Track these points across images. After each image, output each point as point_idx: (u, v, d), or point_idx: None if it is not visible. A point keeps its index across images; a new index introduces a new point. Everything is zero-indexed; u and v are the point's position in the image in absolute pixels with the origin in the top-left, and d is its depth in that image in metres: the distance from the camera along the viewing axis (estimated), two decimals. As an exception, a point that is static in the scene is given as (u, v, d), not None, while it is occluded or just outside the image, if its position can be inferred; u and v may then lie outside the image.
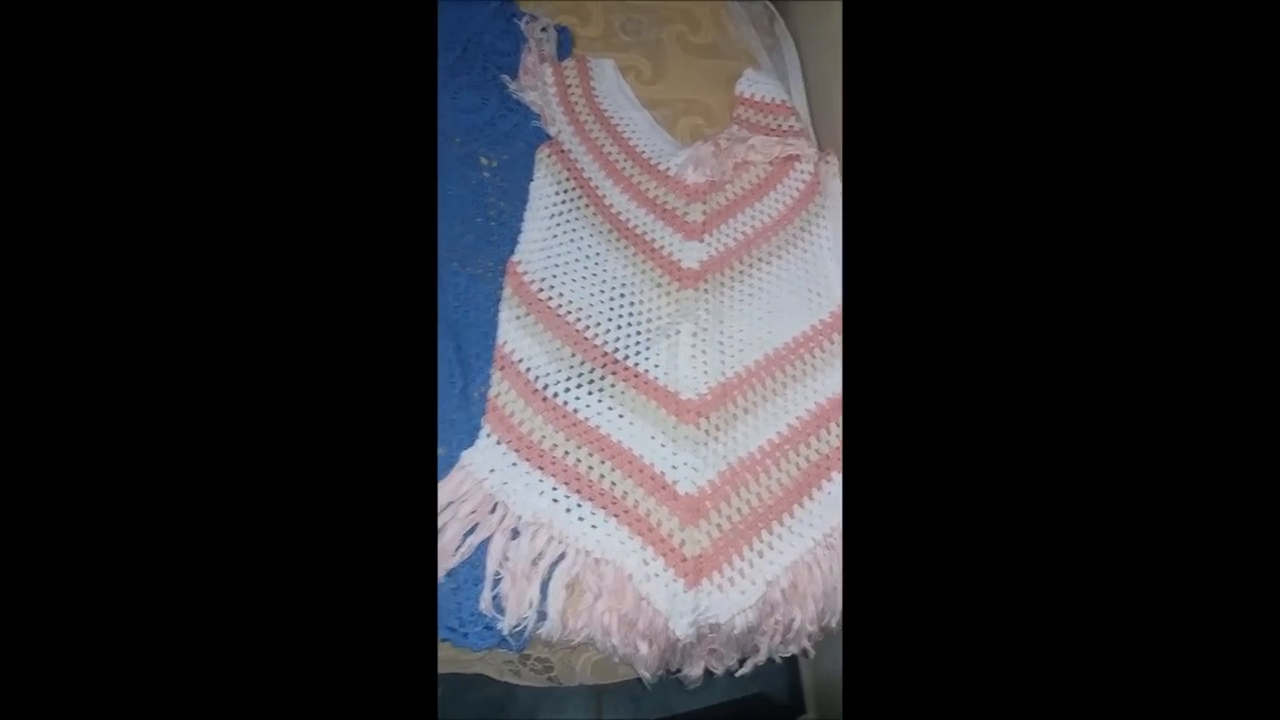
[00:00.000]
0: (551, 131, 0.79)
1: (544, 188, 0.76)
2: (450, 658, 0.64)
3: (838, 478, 0.65)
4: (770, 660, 0.63)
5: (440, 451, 0.63)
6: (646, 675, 0.59)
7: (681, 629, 0.58)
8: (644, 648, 0.58)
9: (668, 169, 0.80)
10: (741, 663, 0.63)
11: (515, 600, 0.56)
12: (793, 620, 0.61)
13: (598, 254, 0.73)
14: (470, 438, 0.63)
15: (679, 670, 0.62)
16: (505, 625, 0.56)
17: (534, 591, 0.57)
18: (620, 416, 0.65)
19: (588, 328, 0.69)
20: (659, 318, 0.71)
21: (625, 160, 0.80)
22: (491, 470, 0.61)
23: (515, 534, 0.59)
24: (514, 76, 0.82)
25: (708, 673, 0.63)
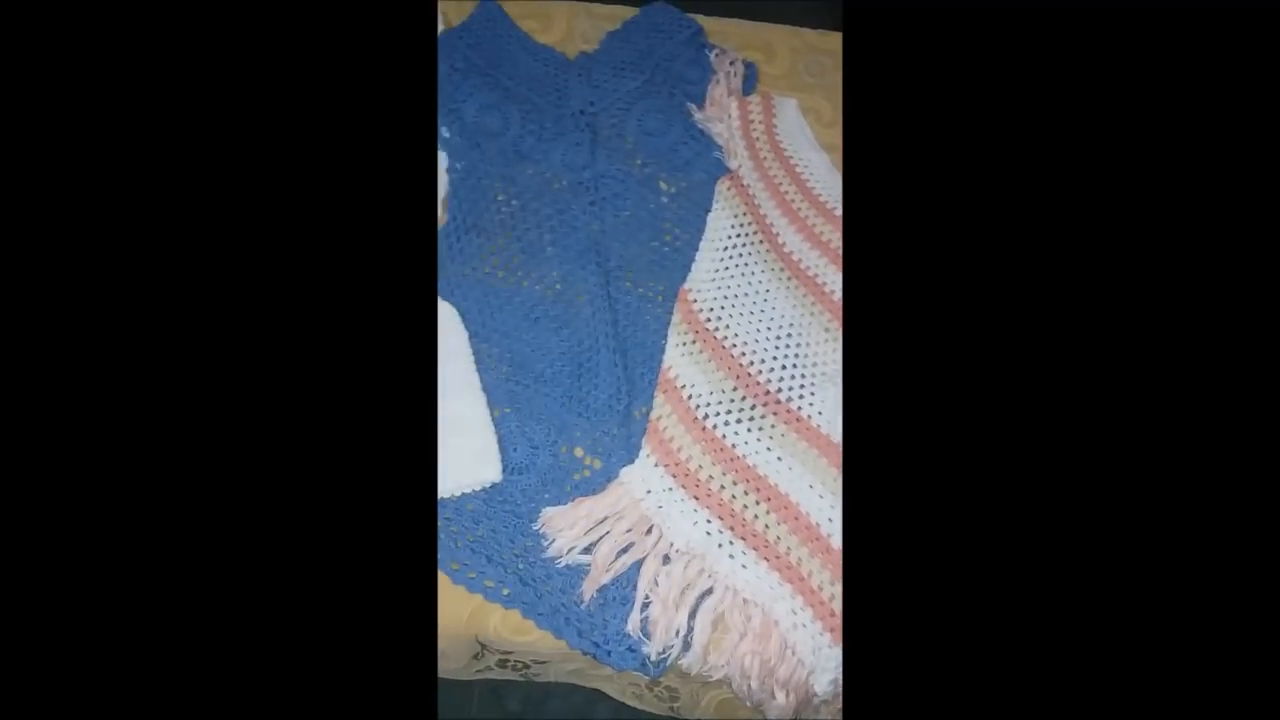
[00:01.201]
0: (732, 165, 0.80)
1: (721, 219, 0.76)
2: (577, 670, 0.64)
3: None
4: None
5: (597, 464, 0.64)
6: (775, 725, 0.58)
7: (822, 685, 0.56)
8: (780, 697, 0.57)
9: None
10: (868, 729, 0.61)
11: (663, 627, 0.56)
12: (934, 696, 0.59)
13: (768, 291, 0.73)
14: (630, 455, 0.64)
15: (803, 725, 0.61)
16: (652, 650, 0.56)
17: (682, 620, 0.57)
18: (779, 460, 0.64)
19: (751, 364, 0.69)
20: (825, 363, 0.70)
21: (801, 201, 0.80)
22: (648, 491, 0.61)
23: (666, 560, 0.59)
24: (700, 106, 0.83)
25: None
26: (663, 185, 0.79)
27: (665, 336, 0.69)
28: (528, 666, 0.64)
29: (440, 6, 0.85)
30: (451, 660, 0.62)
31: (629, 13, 0.90)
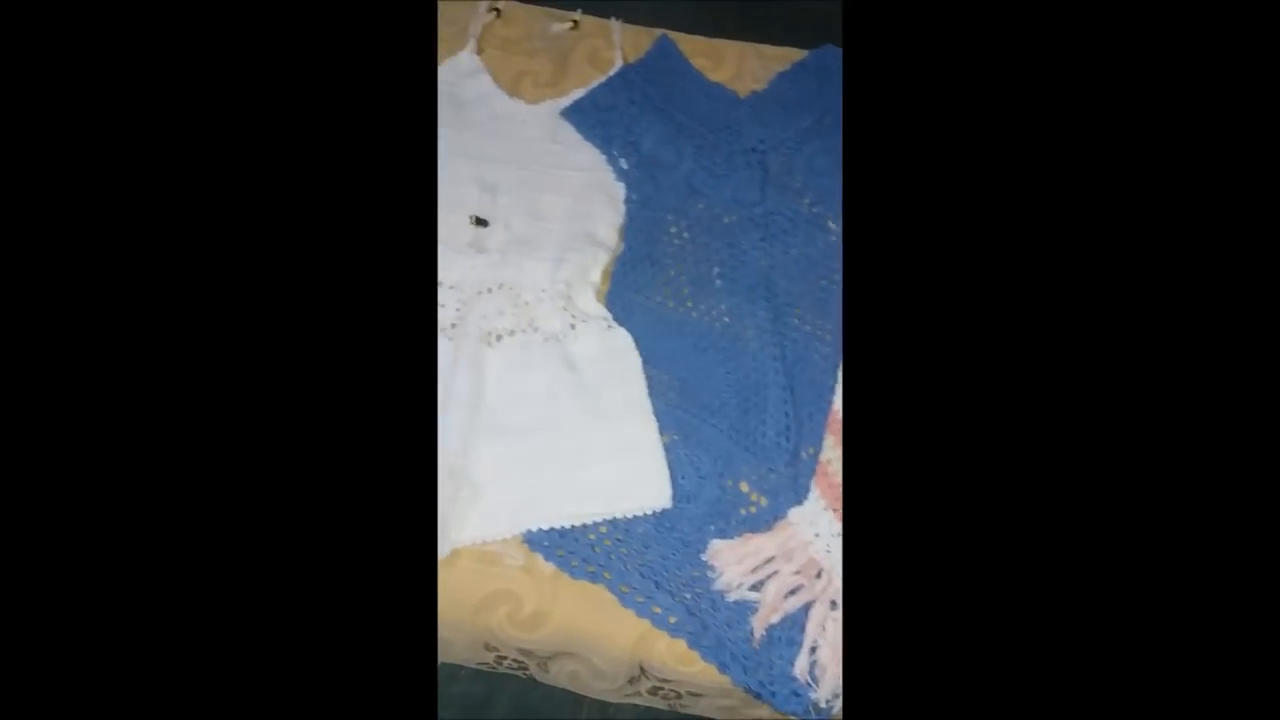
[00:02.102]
0: (902, 208, 0.79)
1: (891, 262, 0.76)
2: (729, 707, 0.64)
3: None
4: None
5: (763, 501, 0.64)
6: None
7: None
8: (948, 762, 0.55)
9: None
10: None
11: (832, 674, 0.55)
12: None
13: (938, 339, 0.72)
14: (797, 496, 0.63)
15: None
16: (820, 697, 0.55)
17: (850, 670, 0.56)
18: (951, 512, 0.62)
19: (921, 412, 0.68)
20: (998, 418, 0.68)
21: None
22: (816, 535, 0.61)
23: (834, 605, 0.59)
24: (870, 148, 0.83)
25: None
26: (830, 225, 0.79)
27: (834, 376, 0.69)
28: (679, 697, 0.64)
29: (618, 40, 0.89)
30: (608, 681, 0.63)
31: (798, 54, 0.91)
